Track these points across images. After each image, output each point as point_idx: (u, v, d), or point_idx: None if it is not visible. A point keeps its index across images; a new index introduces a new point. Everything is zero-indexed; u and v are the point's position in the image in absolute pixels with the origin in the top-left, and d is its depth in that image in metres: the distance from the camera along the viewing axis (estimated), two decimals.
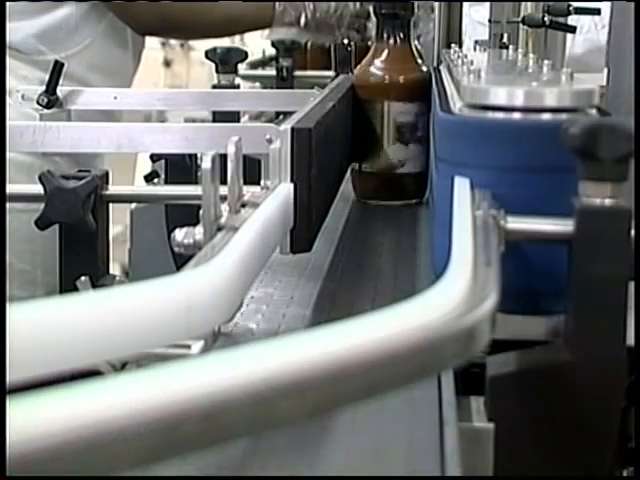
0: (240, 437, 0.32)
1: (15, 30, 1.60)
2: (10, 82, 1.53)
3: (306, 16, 1.64)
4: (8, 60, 1.59)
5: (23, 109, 1.41)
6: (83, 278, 0.91)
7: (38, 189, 0.95)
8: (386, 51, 1.23)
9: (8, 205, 1.10)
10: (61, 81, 1.41)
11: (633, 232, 0.60)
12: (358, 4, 1.74)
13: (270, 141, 0.80)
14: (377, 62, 1.23)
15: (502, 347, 0.62)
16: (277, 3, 1.63)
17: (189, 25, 1.68)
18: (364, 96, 1.22)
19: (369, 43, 1.69)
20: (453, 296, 0.42)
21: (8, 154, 1.35)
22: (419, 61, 1.24)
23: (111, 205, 1.00)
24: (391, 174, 1.21)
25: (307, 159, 0.80)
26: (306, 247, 0.82)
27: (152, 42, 1.82)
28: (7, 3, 1.56)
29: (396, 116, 1.21)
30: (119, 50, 1.70)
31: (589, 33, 2.43)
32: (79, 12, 1.63)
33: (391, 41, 1.23)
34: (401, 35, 1.23)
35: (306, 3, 1.64)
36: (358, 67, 1.26)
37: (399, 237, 1.06)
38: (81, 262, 0.96)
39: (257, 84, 2.09)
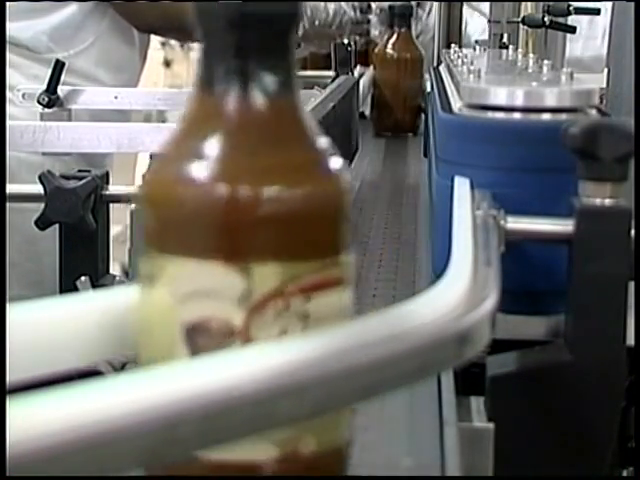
0: (240, 437, 0.32)
1: (25, 28, 1.60)
2: (20, 81, 1.53)
3: (304, 26, 1.63)
4: (19, 59, 1.59)
5: (32, 108, 1.40)
6: (83, 278, 0.91)
7: (38, 189, 0.95)
8: None
9: (20, 205, 1.10)
10: (70, 78, 1.40)
11: (633, 232, 0.60)
12: (359, 11, 1.72)
13: None
14: None
15: (502, 347, 0.62)
16: None
17: (188, 25, 1.68)
18: None
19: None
20: (453, 296, 0.42)
21: (20, 155, 1.36)
22: None
23: (111, 205, 1.00)
24: None
25: None
26: None
27: (152, 42, 1.82)
28: (16, 2, 1.56)
29: None
30: (126, 46, 1.69)
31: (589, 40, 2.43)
32: (84, 9, 1.63)
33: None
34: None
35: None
36: None
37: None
38: (81, 262, 0.96)
39: None
